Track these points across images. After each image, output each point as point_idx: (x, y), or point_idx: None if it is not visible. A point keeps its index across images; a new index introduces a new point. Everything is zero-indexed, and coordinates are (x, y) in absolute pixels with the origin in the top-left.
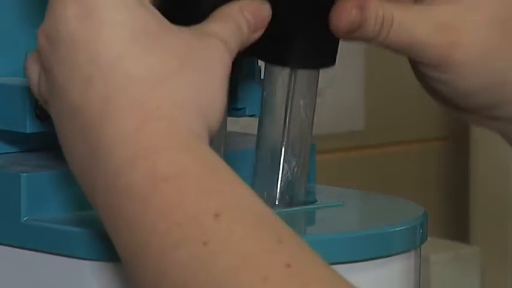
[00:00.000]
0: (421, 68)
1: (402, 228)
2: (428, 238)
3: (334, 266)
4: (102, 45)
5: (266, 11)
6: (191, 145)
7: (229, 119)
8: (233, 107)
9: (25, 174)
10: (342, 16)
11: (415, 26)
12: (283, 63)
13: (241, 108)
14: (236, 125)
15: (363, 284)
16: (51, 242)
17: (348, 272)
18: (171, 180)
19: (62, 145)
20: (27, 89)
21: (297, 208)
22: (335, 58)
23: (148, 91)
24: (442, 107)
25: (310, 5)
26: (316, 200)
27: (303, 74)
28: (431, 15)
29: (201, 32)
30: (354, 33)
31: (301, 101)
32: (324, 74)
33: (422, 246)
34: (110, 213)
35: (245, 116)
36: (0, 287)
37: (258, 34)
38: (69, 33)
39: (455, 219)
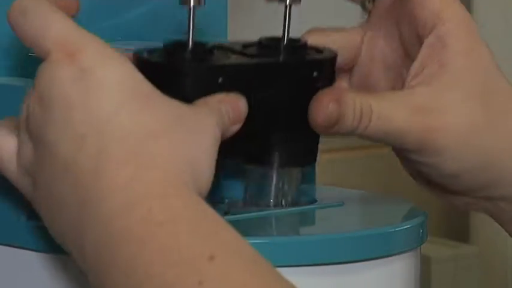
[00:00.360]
0: (403, 153)
1: (402, 228)
2: (428, 238)
3: (334, 266)
4: (98, 103)
5: (243, 106)
6: (183, 193)
7: None
8: None
9: None
10: (319, 111)
11: (393, 115)
12: (261, 164)
13: None
14: None
15: (363, 283)
16: (51, 242)
17: (348, 272)
18: (166, 225)
19: (46, 209)
20: (27, 89)
21: (297, 208)
22: (315, 156)
23: (142, 144)
24: (427, 190)
25: (288, 104)
26: (316, 200)
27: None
28: (408, 100)
29: (190, 105)
30: (333, 128)
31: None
32: None
33: (422, 246)
34: (101, 261)
35: None
36: (0, 287)
37: (236, 127)
38: (64, 95)
39: (455, 219)
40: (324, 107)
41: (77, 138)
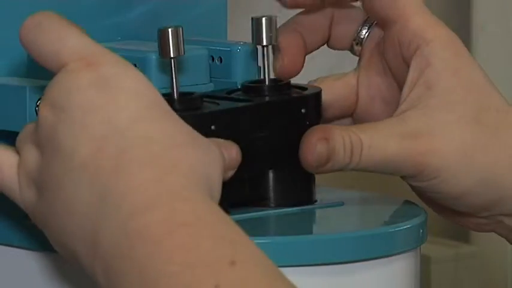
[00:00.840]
0: (404, 179)
1: (402, 228)
2: (428, 238)
3: (334, 266)
4: (119, 109)
5: (238, 154)
6: (206, 199)
7: None
8: None
9: None
10: (309, 151)
11: (384, 144)
12: (256, 205)
13: None
14: None
15: (363, 283)
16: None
17: (348, 272)
18: (188, 227)
19: (52, 215)
20: (27, 89)
21: (297, 208)
22: (311, 195)
23: (165, 150)
24: (442, 215)
25: (279, 143)
26: (316, 200)
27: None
28: (398, 127)
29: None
30: (325, 166)
31: None
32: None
33: (422, 246)
34: (116, 258)
35: None
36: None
37: (230, 173)
38: (84, 100)
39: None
40: (312, 146)
41: (96, 139)
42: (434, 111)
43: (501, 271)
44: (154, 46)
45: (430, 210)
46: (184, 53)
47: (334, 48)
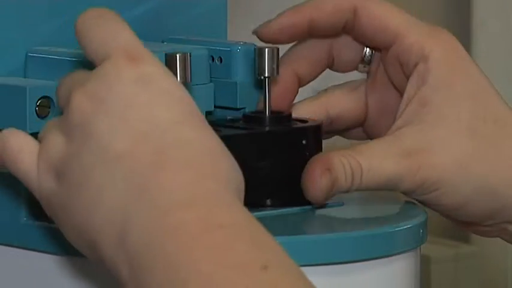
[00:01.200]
0: (405, 194)
1: (402, 228)
2: (428, 238)
3: (334, 266)
4: (161, 107)
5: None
6: (239, 204)
7: None
8: (233, 107)
9: None
10: (314, 186)
11: (382, 164)
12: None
13: (241, 108)
14: None
15: (363, 284)
16: (52, 242)
17: (348, 272)
18: (225, 228)
19: (75, 203)
20: (27, 89)
21: (297, 208)
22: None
23: (202, 156)
24: (459, 226)
25: (280, 173)
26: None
27: None
28: (394, 146)
29: None
30: (329, 194)
31: None
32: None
33: (422, 246)
34: (147, 251)
35: None
36: (0, 287)
37: None
38: (127, 94)
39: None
40: (317, 180)
41: (136, 134)
42: (429, 127)
43: (501, 271)
44: (154, 46)
45: (430, 210)
46: (190, 81)
47: (339, 72)
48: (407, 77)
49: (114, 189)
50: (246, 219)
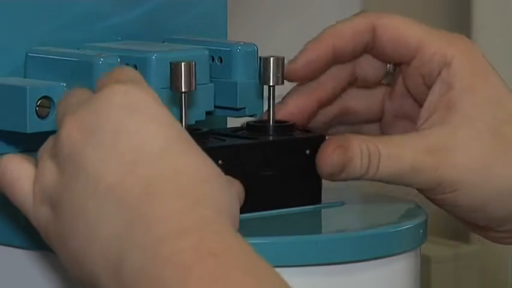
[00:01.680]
0: (420, 192)
1: (402, 228)
2: (428, 238)
3: (334, 266)
4: (148, 137)
5: (243, 192)
6: (232, 231)
7: (229, 119)
8: (233, 107)
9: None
10: (325, 158)
11: (403, 154)
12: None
13: (241, 108)
14: (236, 125)
15: (364, 284)
16: None
17: (348, 272)
18: (218, 256)
19: (69, 234)
20: (27, 89)
21: (297, 208)
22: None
23: (195, 184)
24: (475, 232)
25: (283, 183)
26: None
27: None
28: (418, 140)
29: None
30: (340, 174)
31: None
32: None
33: (422, 246)
34: (141, 284)
35: (245, 116)
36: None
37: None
38: (115, 121)
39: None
40: (328, 154)
41: (126, 163)
42: (454, 128)
43: (501, 271)
44: (154, 46)
45: (430, 210)
46: (195, 89)
47: (363, 88)
48: (429, 87)
49: (107, 220)
50: (240, 245)
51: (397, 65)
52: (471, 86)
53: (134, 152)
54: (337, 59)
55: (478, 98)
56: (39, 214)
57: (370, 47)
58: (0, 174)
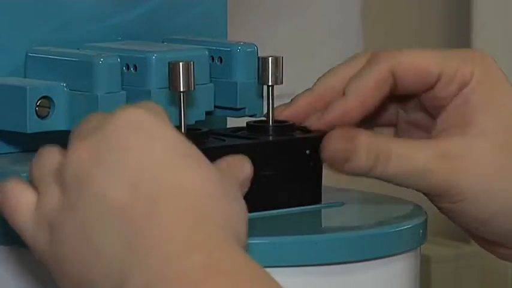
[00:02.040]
0: (428, 198)
1: (402, 228)
2: (428, 238)
3: (334, 266)
4: (153, 157)
5: (249, 170)
6: (238, 248)
7: (229, 119)
8: (233, 107)
9: (25, 174)
10: (327, 145)
11: (414, 154)
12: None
13: (241, 108)
14: (236, 125)
15: (363, 284)
16: None
17: (348, 272)
18: (227, 274)
19: (70, 259)
20: (27, 89)
21: (297, 208)
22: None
23: (197, 200)
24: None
25: (282, 183)
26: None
27: None
28: (433, 145)
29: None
30: (343, 165)
31: None
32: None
33: (422, 246)
34: None
35: (245, 116)
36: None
37: (244, 191)
38: (120, 140)
39: None
40: (334, 139)
41: (130, 184)
42: (471, 139)
43: (501, 271)
44: (154, 46)
45: (430, 210)
46: (194, 88)
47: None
48: (444, 105)
49: (110, 241)
50: (246, 263)
51: (419, 94)
52: (489, 101)
53: (139, 171)
54: (365, 112)
55: (495, 112)
56: (37, 239)
57: (393, 89)
58: (1, 200)
